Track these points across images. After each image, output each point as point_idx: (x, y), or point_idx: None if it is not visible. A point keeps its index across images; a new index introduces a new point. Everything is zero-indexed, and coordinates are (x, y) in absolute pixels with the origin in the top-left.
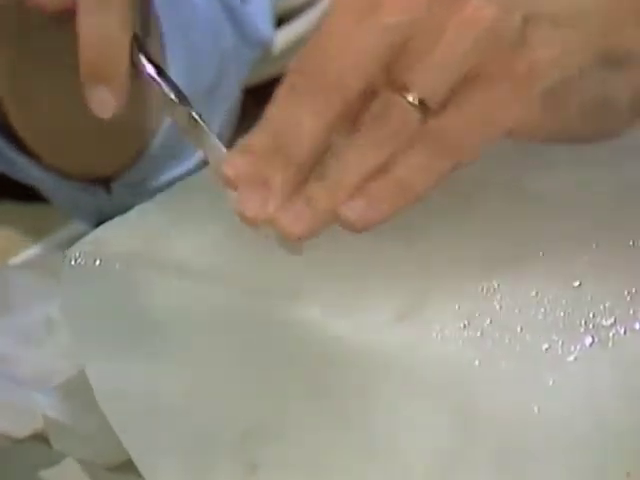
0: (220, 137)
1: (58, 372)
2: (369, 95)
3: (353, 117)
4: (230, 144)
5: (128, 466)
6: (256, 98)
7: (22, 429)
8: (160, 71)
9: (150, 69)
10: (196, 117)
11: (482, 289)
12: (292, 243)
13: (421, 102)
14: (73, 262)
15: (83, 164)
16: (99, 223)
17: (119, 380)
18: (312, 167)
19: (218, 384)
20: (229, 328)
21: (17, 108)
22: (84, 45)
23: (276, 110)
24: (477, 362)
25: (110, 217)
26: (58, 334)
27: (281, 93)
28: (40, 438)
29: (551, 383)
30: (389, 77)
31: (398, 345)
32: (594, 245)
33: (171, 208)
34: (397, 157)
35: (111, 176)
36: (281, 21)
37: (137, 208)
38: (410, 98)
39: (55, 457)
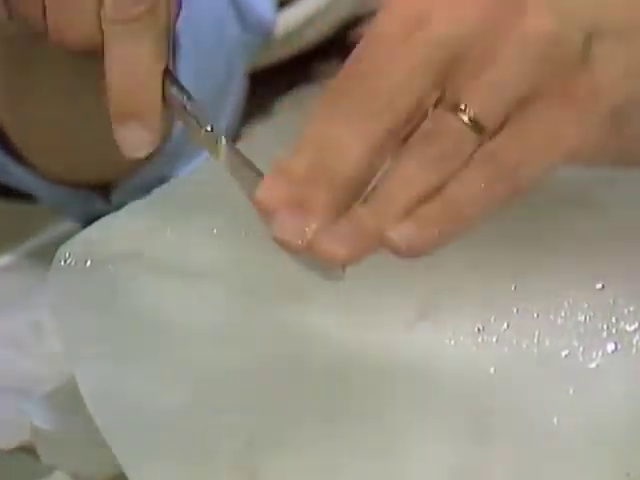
0: (229, 128)
1: (46, 379)
2: (419, 114)
3: (402, 137)
4: (234, 131)
5: None
6: (257, 83)
7: (8, 440)
8: (191, 100)
9: (182, 99)
10: (228, 144)
11: (498, 292)
12: (332, 268)
13: (476, 122)
14: (62, 263)
15: (80, 171)
16: (89, 222)
17: (112, 389)
18: (358, 191)
19: (218, 391)
20: (229, 333)
21: (11, 115)
22: (114, 80)
23: (317, 130)
24: (492, 369)
25: (101, 215)
26: (46, 339)
27: (322, 112)
28: (27, 450)
29: (571, 392)
30: (442, 95)
31: (409, 352)
32: (618, 245)
33: (166, 205)
34: (450, 180)
35: (111, 183)
36: (282, 4)
37: (130, 206)
38: (464, 118)
39: (43, 470)
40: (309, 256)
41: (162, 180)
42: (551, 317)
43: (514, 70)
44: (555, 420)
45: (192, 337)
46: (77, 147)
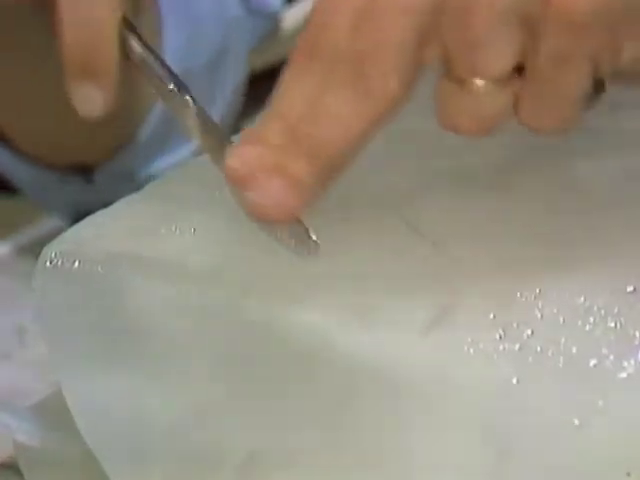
0: (223, 119)
1: (31, 390)
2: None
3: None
4: (234, 131)
5: None
6: (265, 83)
7: None
8: (154, 55)
9: (143, 54)
10: (196, 106)
11: (521, 295)
12: (306, 243)
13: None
14: (48, 263)
15: (60, 150)
16: (78, 218)
17: (102, 400)
18: (344, 168)
19: (216, 404)
20: (229, 339)
21: None
22: (64, 32)
23: (298, 92)
24: (515, 380)
25: (91, 211)
26: (31, 346)
27: (299, 68)
28: (10, 467)
29: (601, 404)
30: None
31: (422, 361)
32: None
33: (162, 201)
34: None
35: (93, 164)
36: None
37: (122, 201)
38: (475, 81)
39: None
40: (287, 228)
41: (150, 165)
42: (579, 323)
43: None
44: (584, 434)
45: (190, 346)
46: (57, 122)
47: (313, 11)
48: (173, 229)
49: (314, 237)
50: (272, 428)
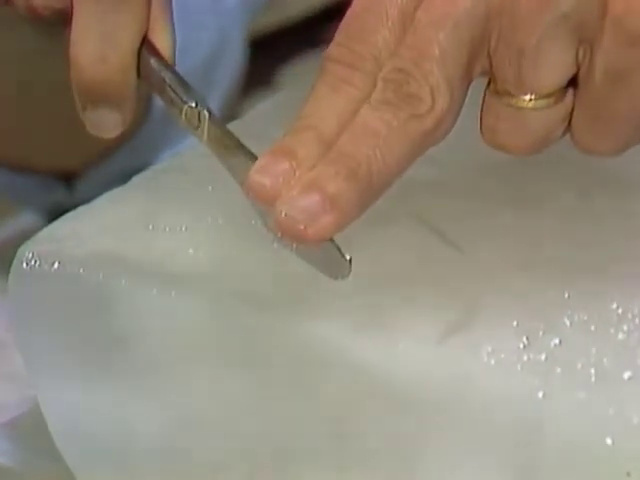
0: (223, 105)
1: (7, 406)
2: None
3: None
4: (236, 107)
5: None
6: (257, 51)
7: None
8: (174, 74)
9: (162, 73)
10: (213, 122)
11: (547, 300)
12: (339, 265)
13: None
14: (25, 265)
15: (40, 155)
16: (56, 215)
17: (82, 416)
18: (383, 192)
19: (209, 422)
20: (222, 350)
21: None
22: (80, 55)
23: (333, 107)
24: (541, 394)
25: (68, 207)
26: (6, 358)
27: (331, 82)
28: None
29: (636, 421)
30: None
31: (440, 372)
32: None
33: (149, 195)
34: None
35: (75, 170)
36: None
37: (105, 196)
38: (524, 97)
39: None
40: (315, 251)
41: (135, 172)
42: (611, 331)
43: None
44: (618, 454)
45: (176, 354)
46: (33, 127)
47: (349, 16)
48: (161, 227)
49: (347, 257)
50: (272, 445)
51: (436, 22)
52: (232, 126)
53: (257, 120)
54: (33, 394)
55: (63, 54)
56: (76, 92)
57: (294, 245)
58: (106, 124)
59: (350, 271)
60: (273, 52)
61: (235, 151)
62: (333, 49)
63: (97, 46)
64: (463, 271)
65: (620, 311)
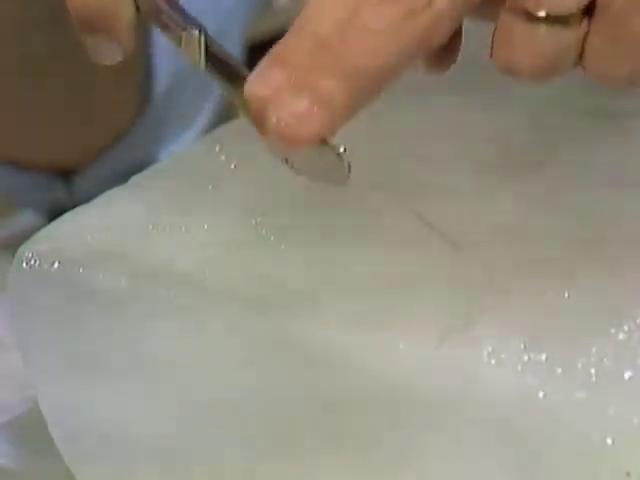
0: (218, 110)
1: (7, 406)
2: None
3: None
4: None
5: None
6: (255, 56)
7: None
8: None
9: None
10: (214, 44)
11: (547, 299)
12: (337, 170)
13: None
14: (24, 265)
15: (39, 152)
16: (56, 214)
17: (82, 416)
18: (379, 89)
19: (211, 425)
20: (222, 350)
21: None
22: None
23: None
24: (541, 394)
25: (67, 206)
26: (6, 358)
27: None
28: None
29: (636, 421)
30: None
31: (439, 373)
32: None
33: (149, 195)
34: None
35: (73, 167)
36: None
37: (106, 195)
38: (541, 14)
39: None
40: (315, 155)
41: (134, 169)
42: (612, 331)
43: None
44: (618, 456)
45: (176, 354)
46: (31, 123)
47: None
48: (161, 227)
49: (346, 162)
50: (272, 448)
51: None
52: (231, 126)
53: None
54: (33, 394)
55: (62, 49)
56: (73, 19)
57: (290, 160)
58: (104, 51)
59: (349, 175)
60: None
61: (235, 74)
62: None
63: None
64: (463, 271)
65: (621, 311)
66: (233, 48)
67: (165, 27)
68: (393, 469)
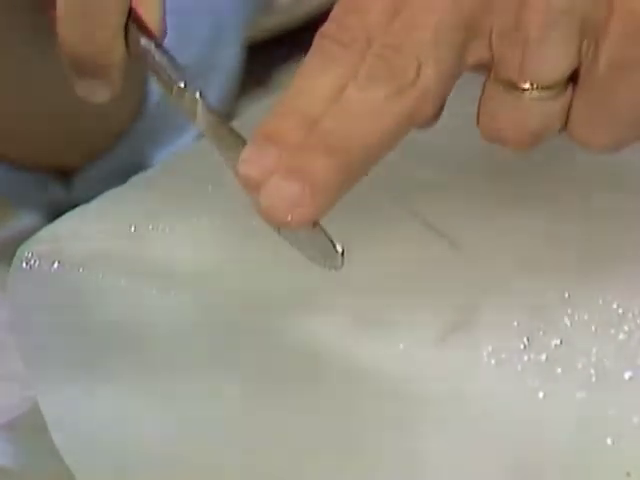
0: (221, 104)
1: (7, 406)
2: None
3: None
4: (232, 109)
5: None
6: (255, 55)
7: None
8: (161, 49)
9: (149, 47)
10: (206, 103)
11: (547, 300)
12: (332, 254)
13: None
14: (24, 265)
15: (37, 153)
16: (55, 215)
17: (82, 416)
18: (369, 167)
19: (208, 422)
20: (224, 351)
21: None
22: (65, 28)
23: (317, 86)
24: (541, 394)
25: (67, 206)
26: (6, 358)
27: (319, 61)
28: None
29: (636, 421)
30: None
31: (440, 373)
32: None
33: (148, 195)
34: None
35: (72, 168)
36: None
37: (104, 195)
38: (525, 85)
39: None
40: (308, 237)
41: (134, 168)
42: (612, 331)
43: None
44: (619, 456)
45: (176, 354)
46: (30, 124)
47: None
48: (161, 227)
49: (339, 248)
50: (272, 450)
51: (431, 1)
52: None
53: (253, 120)
54: (33, 394)
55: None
56: (64, 64)
57: (281, 231)
58: (94, 93)
59: (343, 262)
60: (270, 55)
61: (227, 134)
62: (326, 26)
63: (81, 24)
64: (463, 271)
65: (621, 311)
66: (233, 48)
67: (156, 73)
68: (393, 469)
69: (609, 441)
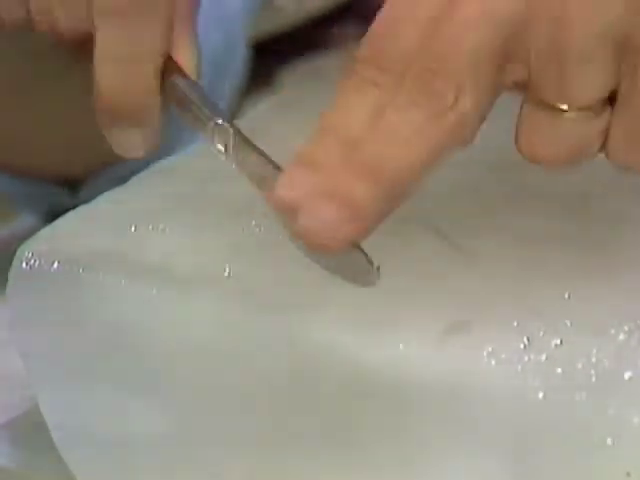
0: (228, 104)
1: (7, 406)
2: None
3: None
4: (236, 108)
5: None
6: (261, 52)
7: None
8: (198, 92)
9: (187, 92)
10: (238, 137)
11: (548, 300)
12: (365, 272)
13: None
14: (24, 265)
15: (43, 163)
16: (55, 215)
17: (82, 416)
18: (406, 195)
19: (209, 422)
20: (224, 352)
21: None
22: (105, 78)
23: (353, 113)
24: (541, 394)
25: (68, 208)
26: (6, 358)
27: (354, 88)
28: None
29: (636, 422)
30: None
31: (440, 372)
32: None
33: (148, 196)
34: None
35: (78, 178)
36: None
37: (104, 196)
38: (563, 107)
39: None
40: (343, 258)
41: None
42: (612, 332)
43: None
44: (619, 457)
45: (177, 356)
46: (39, 135)
47: (380, 17)
48: (161, 227)
49: (376, 265)
50: (272, 445)
51: (469, 21)
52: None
53: (258, 119)
54: (33, 394)
55: (66, 60)
56: (99, 112)
57: (312, 254)
58: (130, 143)
59: (378, 278)
60: (274, 54)
61: (262, 166)
62: (362, 49)
63: (120, 69)
64: (463, 271)
65: (620, 312)
66: (240, 50)
67: (193, 117)
68: (393, 468)
69: (609, 441)
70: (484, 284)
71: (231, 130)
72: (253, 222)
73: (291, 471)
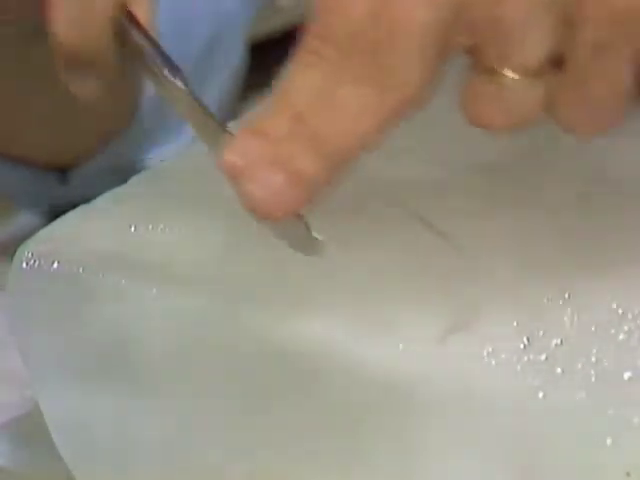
0: (221, 105)
1: (7, 406)
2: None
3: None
4: (235, 109)
5: None
6: (257, 54)
7: None
8: (152, 42)
9: (141, 41)
10: (192, 94)
11: (548, 300)
12: (314, 241)
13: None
14: (24, 265)
15: (35, 149)
16: (55, 215)
17: (82, 417)
18: (349, 165)
19: (208, 422)
20: (224, 352)
21: None
22: (60, 24)
23: (306, 83)
24: (541, 394)
25: (68, 208)
26: (6, 358)
27: (309, 59)
28: None
29: (636, 421)
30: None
31: (440, 372)
32: None
33: (148, 196)
34: None
35: (69, 164)
36: None
37: (104, 196)
38: (506, 71)
39: None
40: (290, 227)
41: (130, 164)
42: (612, 331)
43: None
44: (618, 458)
45: (176, 354)
46: (27, 120)
47: None
48: (161, 227)
49: (317, 235)
50: (271, 449)
51: None
52: (231, 125)
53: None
54: (33, 394)
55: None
56: (55, 54)
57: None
58: (83, 87)
59: (323, 249)
60: (272, 55)
61: (210, 125)
62: (312, 25)
63: (74, 12)
64: (463, 271)
65: (620, 311)
66: (235, 50)
67: (147, 69)
68: (393, 468)
69: (609, 441)
70: (484, 284)
71: (183, 87)
72: (253, 222)
73: (290, 472)
